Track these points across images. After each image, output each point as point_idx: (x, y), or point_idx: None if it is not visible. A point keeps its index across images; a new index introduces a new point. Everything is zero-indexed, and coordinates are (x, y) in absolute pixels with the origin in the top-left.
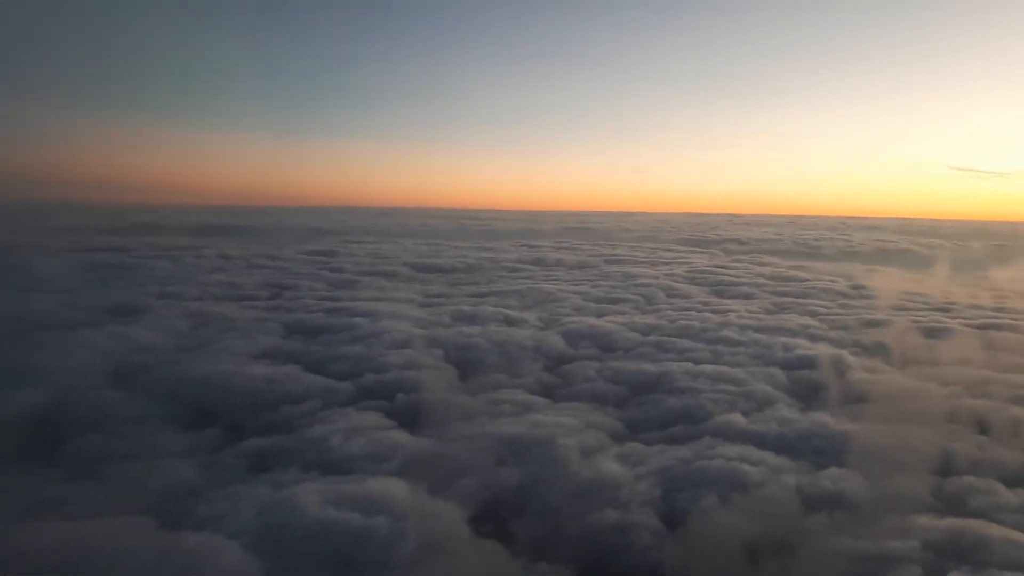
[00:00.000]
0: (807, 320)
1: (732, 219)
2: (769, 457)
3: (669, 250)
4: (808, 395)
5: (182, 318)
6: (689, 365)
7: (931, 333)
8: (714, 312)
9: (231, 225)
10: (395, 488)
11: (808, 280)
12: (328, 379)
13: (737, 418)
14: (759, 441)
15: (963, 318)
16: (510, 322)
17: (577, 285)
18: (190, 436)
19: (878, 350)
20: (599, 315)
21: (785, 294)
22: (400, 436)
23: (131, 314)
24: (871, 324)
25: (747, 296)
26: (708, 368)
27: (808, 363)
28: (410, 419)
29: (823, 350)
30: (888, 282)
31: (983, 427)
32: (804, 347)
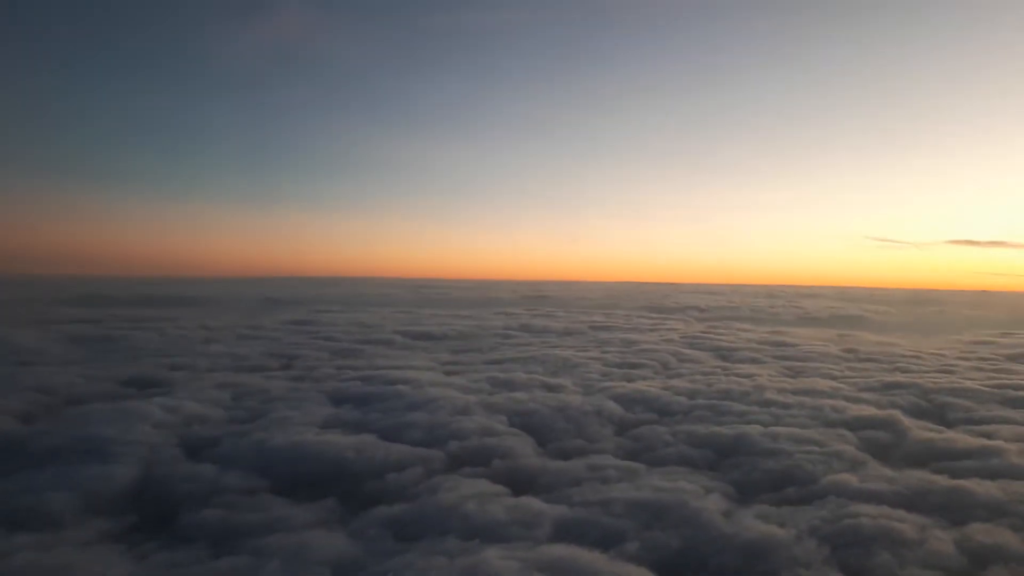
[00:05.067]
0: (832, 383)
1: (675, 287)
2: (904, 514)
3: (642, 316)
4: (887, 454)
5: (214, 389)
6: (759, 428)
7: (957, 393)
8: (739, 376)
9: (182, 296)
10: (577, 554)
11: (799, 345)
12: (413, 447)
13: (848, 477)
14: (882, 499)
15: (973, 379)
16: (550, 388)
17: (584, 351)
18: (310, 507)
19: (921, 410)
20: (628, 380)
21: (787, 358)
22: (530, 502)
23: (155, 386)
24: (896, 386)
25: (755, 361)
26: (781, 431)
27: (868, 424)
28: (520, 485)
29: (872, 411)
30: (871, 345)
31: None
32: (853, 409)
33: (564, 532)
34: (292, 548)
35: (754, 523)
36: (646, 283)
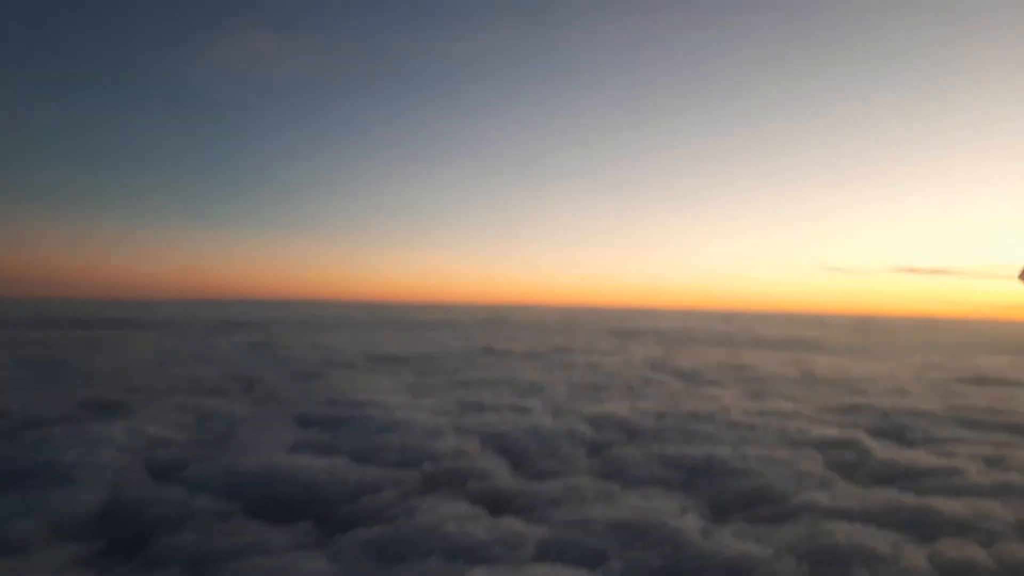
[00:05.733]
0: (793, 405)
1: (632, 312)
2: (876, 531)
3: (603, 340)
4: (853, 473)
5: (175, 412)
6: (728, 448)
7: (914, 414)
8: (703, 398)
9: (137, 318)
10: (563, 574)
11: (758, 367)
12: (386, 469)
13: (818, 496)
14: (854, 517)
15: (928, 400)
16: (520, 410)
17: (550, 374)
18: (286, 530)
19: (882, 430)
20: (596, 402)
21: (748, 381)
22: (510, 523)
23: (116, 408)
24: (855, 407)
25: (717, 383)
26: (749, 451)
27: (832, 444)
28: (498, 506)
29: (836, 432)
30: (827, 369)
31: None
32: (816, 430)
33: (547, 552)
34: (272, 571)
35: (732, 541)
36: (603, 308)
